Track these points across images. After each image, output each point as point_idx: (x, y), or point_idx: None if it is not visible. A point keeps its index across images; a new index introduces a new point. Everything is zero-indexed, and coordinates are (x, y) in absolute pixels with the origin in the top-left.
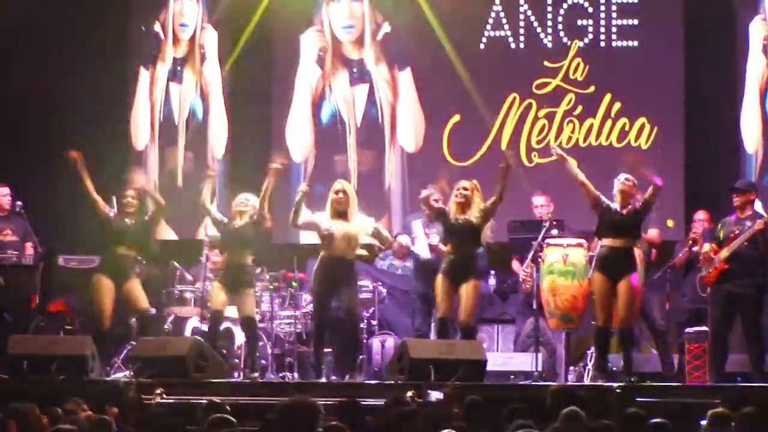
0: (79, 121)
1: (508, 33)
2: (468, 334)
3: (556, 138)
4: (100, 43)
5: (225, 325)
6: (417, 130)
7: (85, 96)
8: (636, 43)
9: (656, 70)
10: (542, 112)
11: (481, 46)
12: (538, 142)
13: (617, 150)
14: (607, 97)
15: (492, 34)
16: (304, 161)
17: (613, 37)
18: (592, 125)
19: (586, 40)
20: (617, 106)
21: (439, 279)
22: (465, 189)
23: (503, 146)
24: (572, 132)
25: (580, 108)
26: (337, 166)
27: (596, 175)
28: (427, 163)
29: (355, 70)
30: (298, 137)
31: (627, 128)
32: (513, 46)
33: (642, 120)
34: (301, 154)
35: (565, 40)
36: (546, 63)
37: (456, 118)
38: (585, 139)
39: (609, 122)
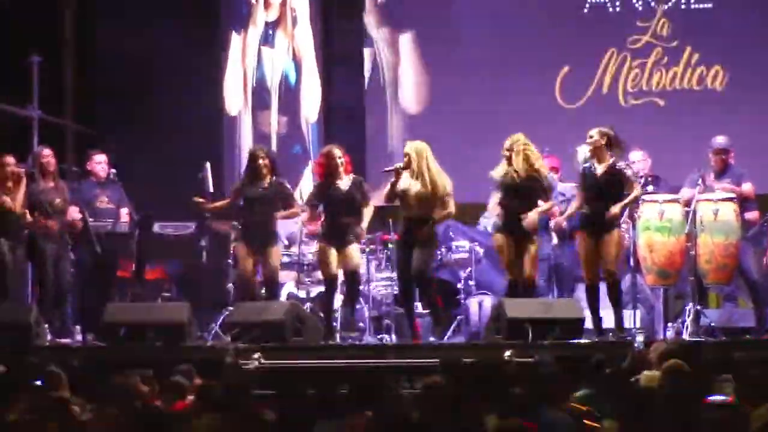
0: (174, 87)
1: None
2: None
3: (647, 83)
4: (192, 8)
5: (321, 288)
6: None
7: (180, 62)
8: (710, 5)
9: (731, 25)
10: (635, 63)
11: (585, 10)
12: (632, 88)
13: (696, 93)
14: (688, 50)
15: (593, 1)
16: None
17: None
18: (675, 72)
19: (670, 4)
20: (696, 56)
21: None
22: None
23: (605, 90)
24: (659, 79)
25: (666, 59)
26: None
27: (677, 117)
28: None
29: None
30: None
31: (704, 74)
32: (610, 10)
33: (716, 67)
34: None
35: (652, 4)
36: (638, 23)
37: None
38: (670, 84)
39: (690, 70)
